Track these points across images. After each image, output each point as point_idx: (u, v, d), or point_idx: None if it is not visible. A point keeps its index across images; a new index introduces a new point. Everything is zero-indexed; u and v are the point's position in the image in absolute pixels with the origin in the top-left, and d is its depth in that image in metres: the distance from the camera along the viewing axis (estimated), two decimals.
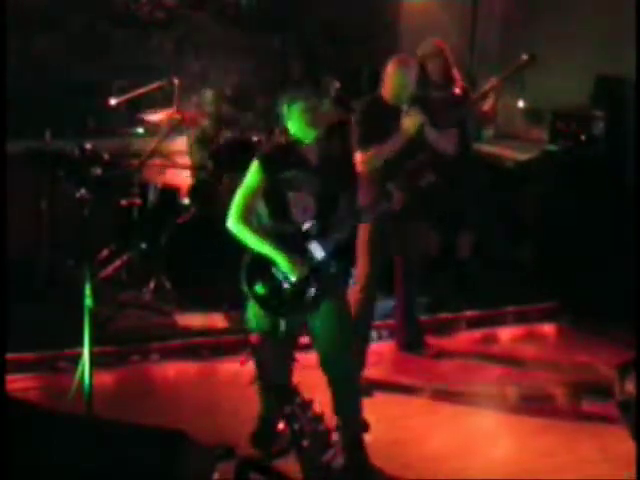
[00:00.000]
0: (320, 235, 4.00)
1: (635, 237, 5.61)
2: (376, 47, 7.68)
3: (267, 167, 3.97)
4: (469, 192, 6.23)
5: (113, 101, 6.37)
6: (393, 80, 4.93)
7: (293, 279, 3.94)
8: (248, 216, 3.98)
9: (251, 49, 7.61)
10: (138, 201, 6.15)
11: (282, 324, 3.97)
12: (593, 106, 6.64)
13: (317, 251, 3.99)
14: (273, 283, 3.97)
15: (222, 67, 7.53)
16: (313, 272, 3.98)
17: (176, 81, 6.30)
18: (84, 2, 7.08)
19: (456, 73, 5.86)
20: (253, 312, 4.06)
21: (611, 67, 6.51)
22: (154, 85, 6.39)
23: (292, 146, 4.05)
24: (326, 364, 4.10)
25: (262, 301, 3.99)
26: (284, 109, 4.02)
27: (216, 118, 6.61)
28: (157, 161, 6.39)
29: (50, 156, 6.02)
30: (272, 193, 3.98)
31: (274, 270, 3.96)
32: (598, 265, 6.23)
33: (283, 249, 3.93)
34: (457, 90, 5.78)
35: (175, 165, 6.61)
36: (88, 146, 6.06)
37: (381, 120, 4.88)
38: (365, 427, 4.24)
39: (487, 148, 7.17)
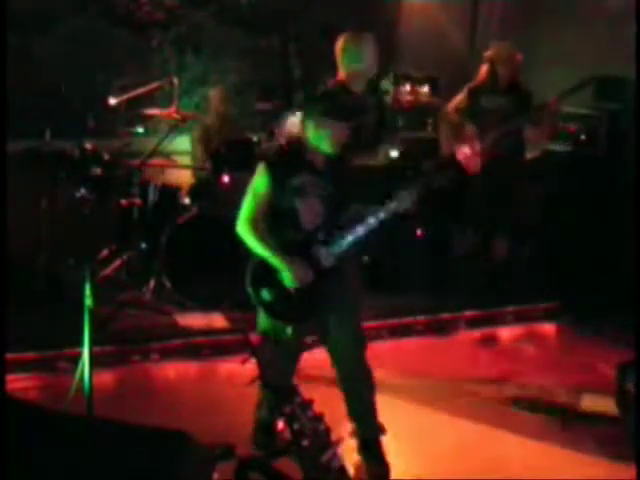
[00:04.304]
0: (328, 240, 3.89)
1: (635, 237, 5.61)
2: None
3: (272, 171, 3.89)
4: (505, 195, 6.21)
5: (113, 101, 6.37)
6: (343, 58, 4.62)
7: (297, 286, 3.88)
8: (255, 221, 3.90)
9: (251, 49, 7.61)
10: (138, 201, 6.15)
11: (289, 329, 3.92)
12: (593, 106, 6.64)
13: (325, 257, 3.88)
14: (279, 289, 3.89)
15: (222, 67, 7.53)
16: (321, 277, 3.89)
17: (176, 81, 6.31)
18: (84, 2, 7.08)
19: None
20: (262, 316, 4.00)
21: (611, 67, 6.51)
22: (154, 85, 6.39)
23: (298, 150, 3.98)
24: (338, 366, 4.05)
25: (269, 307, 3.93)
26: (315, 116, 3.85)
27: (220, 117, 6.60)
28: (157, 161, 6.39)
29: (50, 156, 6.03)
30: (282, 202, 3.90)
31: (280, 276, 3.88)
32: (598, 265, 6.24)
33: (288, 255, 3.85)
34: (523, 93, 5.82)
35: (175, 165, 6.62)
36: (88, 146, 6.06)
37: None
38: (381, 430, 4.15)
39: None
